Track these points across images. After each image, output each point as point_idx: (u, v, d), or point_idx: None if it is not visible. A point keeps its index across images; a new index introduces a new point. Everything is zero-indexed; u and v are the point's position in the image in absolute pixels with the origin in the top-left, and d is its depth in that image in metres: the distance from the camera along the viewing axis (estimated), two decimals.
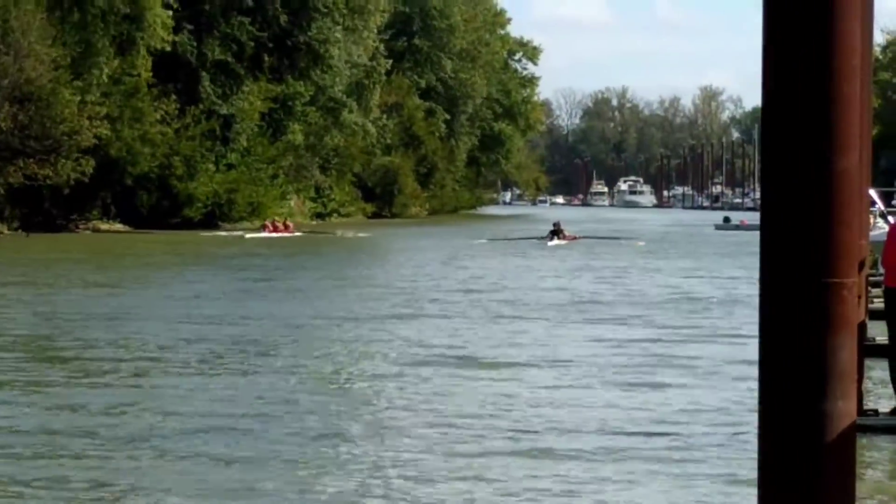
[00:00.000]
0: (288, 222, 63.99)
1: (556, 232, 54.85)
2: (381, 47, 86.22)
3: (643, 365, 17.22)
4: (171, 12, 65.66)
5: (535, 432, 12.58)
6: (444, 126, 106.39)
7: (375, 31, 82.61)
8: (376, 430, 12.75)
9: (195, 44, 69.85)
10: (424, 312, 24.24)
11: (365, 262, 42.65)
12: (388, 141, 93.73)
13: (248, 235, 59.45)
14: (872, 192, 20.64)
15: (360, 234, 63.09)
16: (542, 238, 54.47)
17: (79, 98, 60.71)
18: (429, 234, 64.50)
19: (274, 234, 59.80)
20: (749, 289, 27.94)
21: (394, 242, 57.36)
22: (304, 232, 63.42)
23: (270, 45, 73.39)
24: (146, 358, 17.77)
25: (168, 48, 65.65)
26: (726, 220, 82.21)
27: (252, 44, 71.91)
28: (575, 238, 55.51)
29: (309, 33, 74.02)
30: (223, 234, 62.16)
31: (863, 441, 11.19)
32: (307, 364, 17.26)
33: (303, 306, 24.99)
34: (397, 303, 26.01)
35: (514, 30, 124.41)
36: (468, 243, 53.64)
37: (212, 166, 70.02)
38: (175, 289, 29.15)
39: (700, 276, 34.72)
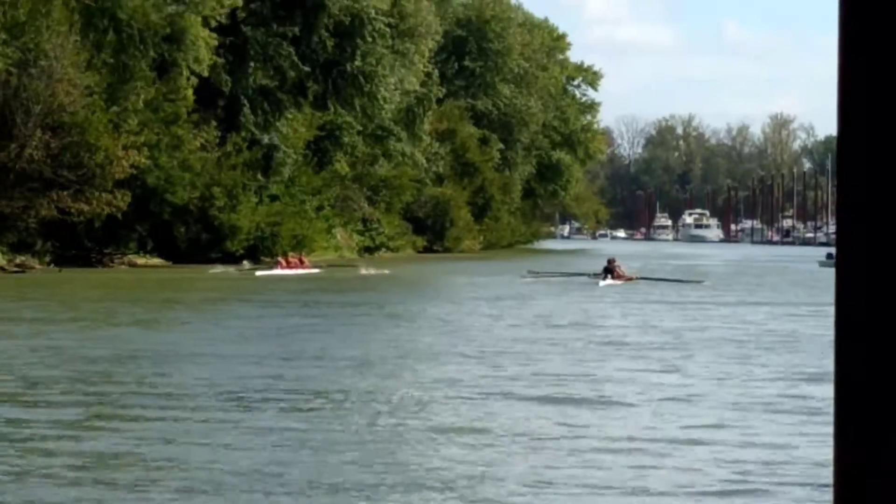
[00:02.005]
0: (303, 257, 59.78)
1: (611, 270, 49.39)
2: (435, 73, 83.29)
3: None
4: (213, 34, 62.73)
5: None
6: (498, 155, 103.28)
7: (427, 55, 79.54)
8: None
9: (235, 71, 66.71)
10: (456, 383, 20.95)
11: (373, 304, 38.97)
12: (440, 170, 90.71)
13: (259, 273, 54.37)
14: None
15: (385, 271, 57.92)
16: (595, 276, 49.45)
17: (114, 125, 57.97)
18: (470, 271, 61.06)
19: (288, 272, 55.25)
20: None
21: (425, 279, 53.52)
22: (322, 268, 59.02)
23: (315, 72, 70.09)
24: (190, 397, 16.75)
25: (206, 73, 62.71)
26: (830, 256, 77.48)
27: (294, 71, 68.56)
28: (631, 279, 49.68)
29: (356, 61, 70.41)
30: (230, 269, 56.45)
31: None
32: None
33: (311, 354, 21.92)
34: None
35: (572, 54, 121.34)
36: (511, 281, 49.79)
37: (254, 198, 66.85)
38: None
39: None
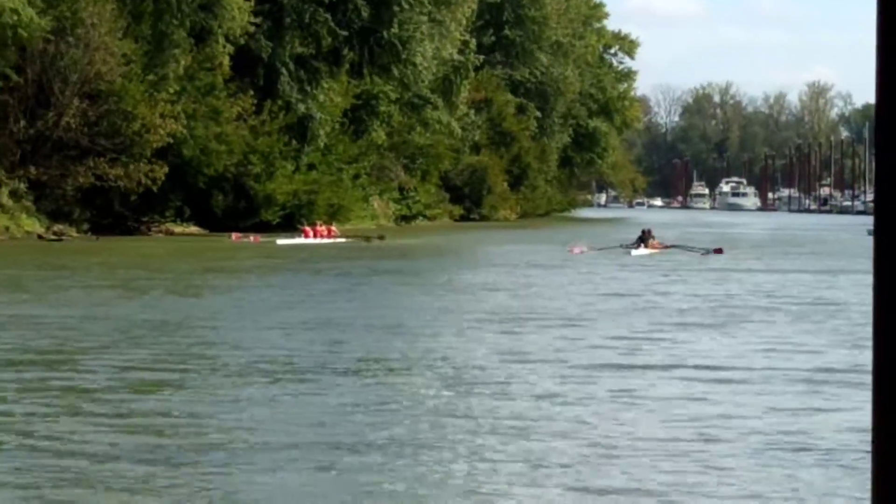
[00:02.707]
0: (332, 227, 57.80)
1: (644, 239, 49.15)
2: (472, 41, 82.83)
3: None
4: (249, 1, 62.41)
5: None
6: (535, 123, 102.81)
7: (463, 23, 79.06)
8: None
9: (272, 38, 66.46)
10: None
11: (406, 273, 38.90)
12: (477, 139, 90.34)
13: (280, 241, 51.75)
14: None
15: (412, 241, 55.89)
16: (629, 246, 48.97)
17: (151, 94, 57.88)
18: (502, 240, 60.45)
19: (311, 241, 53.43)
20: None
21: (456, 249, 52.35)
22: (348, 237, 56.33)
23: (352, 39, 69.72)
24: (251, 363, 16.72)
25: (244, 39, 62.41)
26: None
27: (331, 38, 68.14)
28: (665, 247, 49.65)
29: (392, 28, 69.92)
30: (251, 238, 54.40)
31: None
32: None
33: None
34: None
35: (608, 22, 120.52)
36: (550, 252, 48.83)
37: (290, 166, 66.62)
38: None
39: None
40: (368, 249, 49.83)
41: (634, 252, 46.91)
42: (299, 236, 54.54)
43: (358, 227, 66.25)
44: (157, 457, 11.24)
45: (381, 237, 56.17)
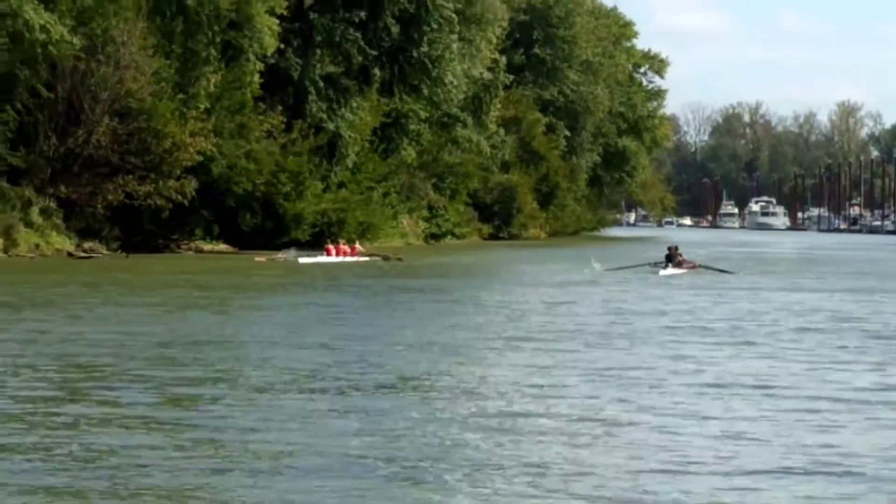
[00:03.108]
0: (356, 245, 56.68)
1: (672, 258, 47.24)
2: (502, 60, 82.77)
3: None
4: (277, 21, 62.42)
5: None
6: (565, 142, 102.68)
7: (493, 41, 78.99)
8: None
9: (302, 56, 66.42)
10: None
11: (437, 290, 38.69)
12: (506, 158, 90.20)
13: (302, 260, 51.23)
14: None
15: (443, 259, 55.42)
16: (656, 264, 47.12)
17: (181, 112, 57.86)
18: (529, 259, 60.31)
19: (332, 259, 52.80)
20: None
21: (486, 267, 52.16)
22: (371, 256, 55.82)
23: (381, 58, 69.62)
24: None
25: (274, 58, 62.41)
26: None
27: (360, 57, 68.02)
28: (694, 267, 47.75)
29: (422, 47, 69.83)
30: (277, 256, 53.28)
31: None
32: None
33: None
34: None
35: (638, 41, 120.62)
36: (575, 270, 47.95)
37: (319, 185, 66.44)
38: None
39: None
40: (396, 268, 49.63)
41: (662, 272, 45.49)
42: (321, 254, 53.90)
43: (376, 247, 66.08)
44: (195, 470, 11.20)
45: (399, 258, 55.50)
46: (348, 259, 53.50)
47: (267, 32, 61.07)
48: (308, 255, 52.98)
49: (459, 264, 54.83)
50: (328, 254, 53.85)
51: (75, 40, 52.90)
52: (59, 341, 21.07)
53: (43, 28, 50.49)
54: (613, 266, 48.63)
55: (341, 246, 55.19)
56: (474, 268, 52.90)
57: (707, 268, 48.93)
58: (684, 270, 46.37)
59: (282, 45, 63.17)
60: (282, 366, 18.28)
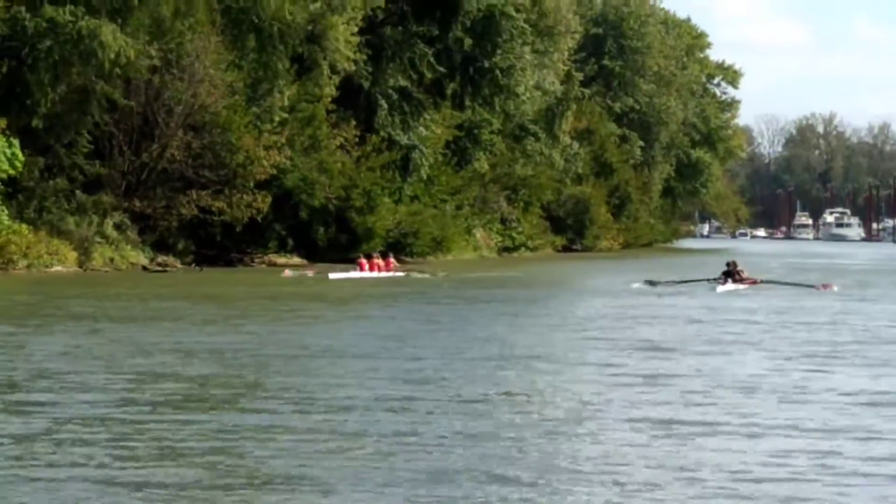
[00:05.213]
0: (390, 259, 53.14)
1: (731, 273, 44.39)
2: (578, 75, 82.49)
3: None
4: (356, 33, 62.34)
5: None
6: (638, 153, 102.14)
7: (566, 54, 78.65)
8: None
9: (374, 70, 66.30)
10: None
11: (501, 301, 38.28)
12: (579, 170, 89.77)
13: (332, 276, 47.50)
14: None
15: (472, 275, 52.21)
16: (713, 280, 44.12)
17: (255, 125, 57.89)
18: (591, 271, 59.63)
19: (368, 274, 49.45)
20: None
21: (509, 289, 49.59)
22: (407, 271, 53.19)
23: (453, 71, 69.39)
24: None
25: (352, 68, 62.25)
26: None
27: (431, 71, 67.76)
28: (755, 282, 44.67)
29: (494, 58, 69.52)
30: (304, 272, 50.96)
31: None
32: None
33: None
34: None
35: (710, 52, 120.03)
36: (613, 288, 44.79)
37: (388, 199, 65.90)
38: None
39: None
40: (472, 282, 49.17)
41: (720, 288, 42.51)
42: (354, 269, 50.47)
43: (449, 260, 65.57)
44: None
45: (441, 273, 51.89)
46: (383, 275, 50.29)
47: (342, 45, 60.97)
48: (339, 272, 49.42)
49: (537, 278, 54.31)
50: (361, 268, 50.45)
51: (151, 51, 52.82)
52: (134, 352, 20.94)
53: (112, 45, 50.45)
54: (667, 280, 45.87)
55: (375, 260, 51.87)
56: (556, 281, 52.36)
57: (771, 282, 46.09)
58: (744, 286, 43.45)
59: (355, 59, 63.06)
60: (404, 377, 18.24)
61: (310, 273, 50.71)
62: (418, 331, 26.84)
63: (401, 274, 51.54)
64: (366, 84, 65.90)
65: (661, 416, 15.31)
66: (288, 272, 50.21)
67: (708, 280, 44.54)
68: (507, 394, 17.26)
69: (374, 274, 50.05)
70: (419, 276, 50.96)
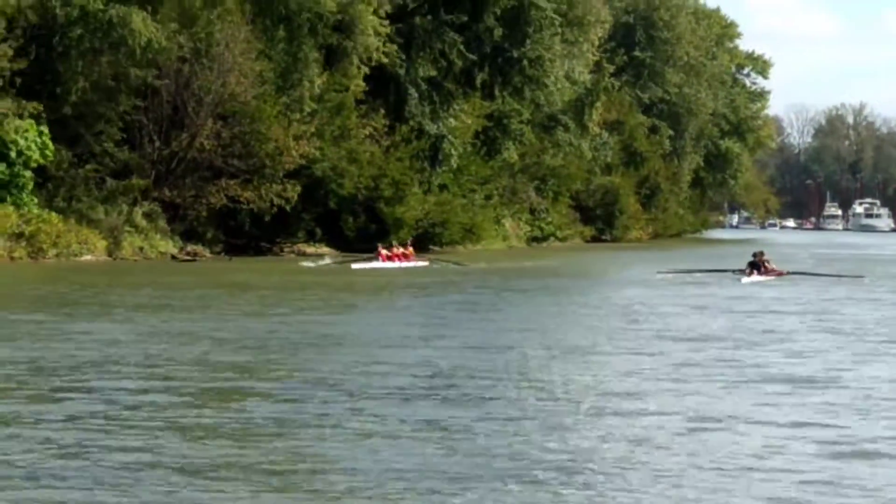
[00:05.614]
0: (409, 249, 52.48)
1: (757, 265, 43.29)
2: (608, 67, 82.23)
3: None
4: (385, 21, 62.16)
5: None
6: (668, 143, 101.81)
7: (596, 44, 78.40)
8: None
9: (404, 59, 66.15)
10: None
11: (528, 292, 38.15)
12: (608, 160, 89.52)
13: (354, 266, 47.66)
14: None
15: (489, 265, 51.62)
16: (738, 272, 43.31)
17: (285, 115, 57.78)
18: (634, 260, 59.40)
19: (388, 265, 48.97)
20: None
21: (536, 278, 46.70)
22: (430, 260, 52.54)
23: (483, 60, 69.19)
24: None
25: (383, 59, 62.09)
26: None
27: (461, 60, 67.57)
28: (781, 273, 43.70)
29: (524, 48, 69.32)
30: (324, 261, 50.31)
31: None
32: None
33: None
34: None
35: (740, 42, 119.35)
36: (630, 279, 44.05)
37: (417, 189, 65.73)
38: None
39: None
40: (504, 272, 48.96)
41: (745, 279, 41.65)
42: (376, 260, 49.66)
43: (478, 250, 65.20)
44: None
45: (461, 264, 50.97)
46: (405, 265, 49.90)
47: (372, 34, 60.82)
48: (361, 262, 49.18)
49: (567, 268, 54.13)
50: (382, 259, 49.94)
51: (181, 40, 52.82)
52: (162, 339, 20.94)
53: (142, 33, 50.46)
54: (687, 269, 45.51)
55: (395, 251, 51.59)
56: (584, 271, 52.20)
57: (798, 273, 45.36)
58: (771, 278, 42.46)
59: (384, 48, 62.90)
60: (392, 367, 18.04)
61: (329, 261, 50.49)
62: (457, 320, 26.86)
63: (423, 263, 51.07)
64: (397, 73, 65.73)
65: (699, 407, 15.23)
66: (307, 263, 49.79)
67: (733, 271, 43.79)
68: (566, 382, 17.21)
69: (396, 264, 49.72)
70: (447, 266, 50.53)
